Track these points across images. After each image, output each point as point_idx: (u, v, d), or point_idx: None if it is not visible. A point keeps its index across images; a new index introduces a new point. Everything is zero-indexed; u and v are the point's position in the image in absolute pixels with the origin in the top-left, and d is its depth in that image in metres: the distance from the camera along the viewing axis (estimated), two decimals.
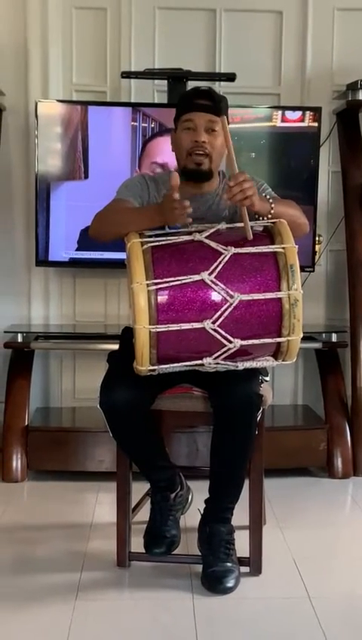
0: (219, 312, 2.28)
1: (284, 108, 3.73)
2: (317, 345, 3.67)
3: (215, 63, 3.86)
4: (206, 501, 2.58)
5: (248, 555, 2.57)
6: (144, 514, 2.73)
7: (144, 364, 2.31)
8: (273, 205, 2.42)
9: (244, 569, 2.56)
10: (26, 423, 3.54)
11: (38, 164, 3.62)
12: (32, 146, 3.69)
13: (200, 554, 2.57)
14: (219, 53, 3.86)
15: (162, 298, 2.27)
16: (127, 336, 2.50)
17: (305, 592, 2.47)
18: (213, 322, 2.28)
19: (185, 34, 3.85)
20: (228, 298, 2.28)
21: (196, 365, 2.37)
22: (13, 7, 3.77)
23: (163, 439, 2.65)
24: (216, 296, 2.28)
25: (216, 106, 2.53)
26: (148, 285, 2.26)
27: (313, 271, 3.74)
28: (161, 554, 2.57)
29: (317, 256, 3.76)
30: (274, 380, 3.87)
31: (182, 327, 2.27)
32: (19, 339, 3.60)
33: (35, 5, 3.75)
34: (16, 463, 3.48)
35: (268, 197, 2.47)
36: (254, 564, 2.57)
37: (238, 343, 2.30)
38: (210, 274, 2.28)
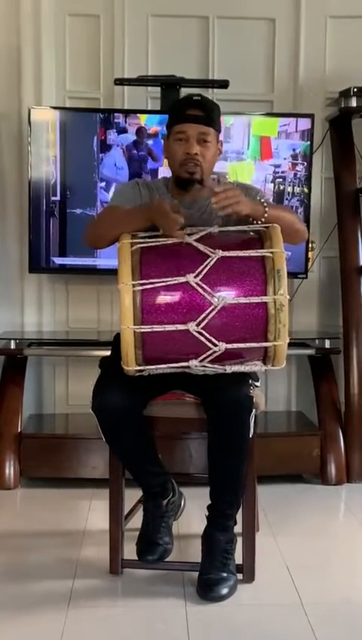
0: (203, 315, 2.28)
1: (277, 115, 3.74)
2: (311, 351, 3.67)
3: (208, 69, 3.86)
4: (207, 507, 2.57)
5: (241, 562, 2.56)
6: (137, 521, 2.72)
7: (130, 365, 2.32)
8: (266, 208, 2.44)
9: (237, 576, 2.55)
10: (19, 430, 3.53)
11: (31, 170, 3.62)
12: (25, 153, 3.68)
13: (192, 561, 2.57)
14: (212, 60, 3.86)
15: (147, 299, 2.28)
16: (118, 341, 2.50)
17: (298, 599, 2.47)
18: (198, 325, 2.28)
19: (179, 41, 3.85)
20: (212, 301, 2.28)
21: (183, 367, 2.37)
22: (6, 13, 3.76)
23: (155, 445, 2.65)
24: (200, 299, 2.29)
25: (208, 116, 2.56)
26: (133, 286, 2.27)
27: (306, 277, 3.74)
28: (154, 561, 2.57)
29: (310, 263, 3.76)
30: (267, 386, 3.87)
31: (167, 329, 2.28)
32: (12, 345, 3.59)
33: (28, 12, 3.74)
34: (9, 469, 3.47)
35: (263, 202, 2.48)
36: (247, 571, 2.57)
37: (223, 346, 2.31)
38: (195, 276, 2.29)
